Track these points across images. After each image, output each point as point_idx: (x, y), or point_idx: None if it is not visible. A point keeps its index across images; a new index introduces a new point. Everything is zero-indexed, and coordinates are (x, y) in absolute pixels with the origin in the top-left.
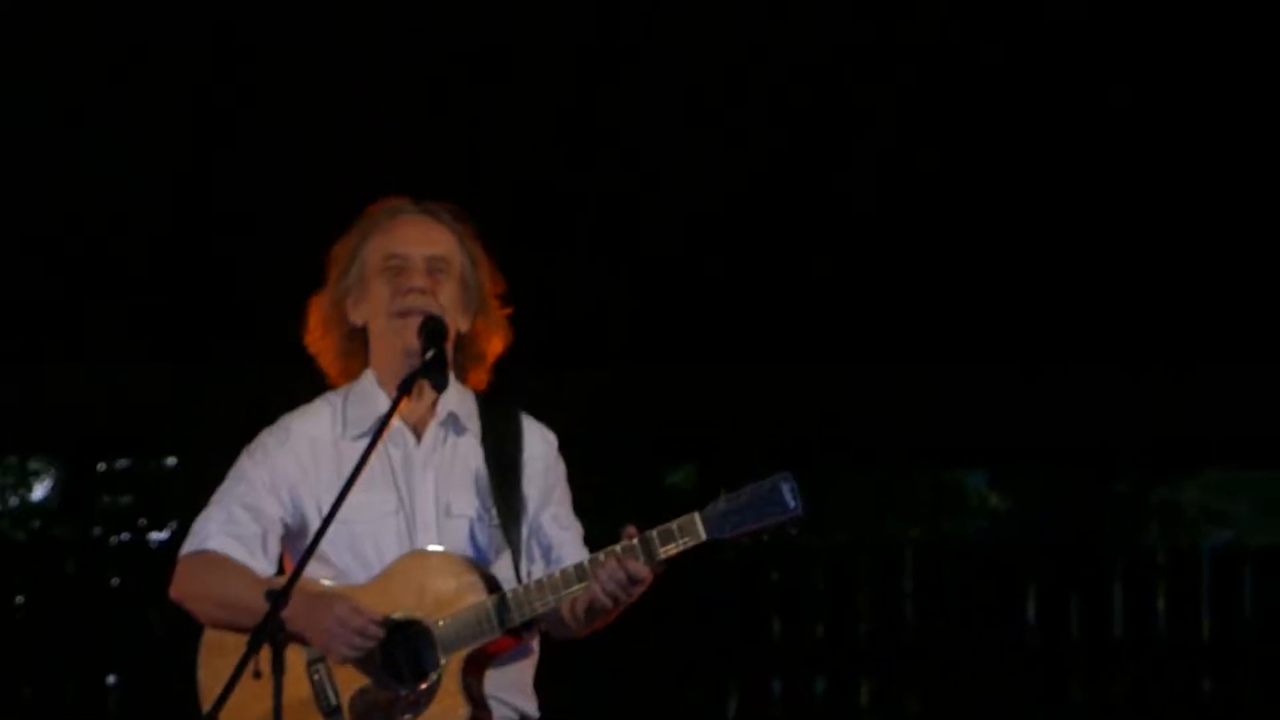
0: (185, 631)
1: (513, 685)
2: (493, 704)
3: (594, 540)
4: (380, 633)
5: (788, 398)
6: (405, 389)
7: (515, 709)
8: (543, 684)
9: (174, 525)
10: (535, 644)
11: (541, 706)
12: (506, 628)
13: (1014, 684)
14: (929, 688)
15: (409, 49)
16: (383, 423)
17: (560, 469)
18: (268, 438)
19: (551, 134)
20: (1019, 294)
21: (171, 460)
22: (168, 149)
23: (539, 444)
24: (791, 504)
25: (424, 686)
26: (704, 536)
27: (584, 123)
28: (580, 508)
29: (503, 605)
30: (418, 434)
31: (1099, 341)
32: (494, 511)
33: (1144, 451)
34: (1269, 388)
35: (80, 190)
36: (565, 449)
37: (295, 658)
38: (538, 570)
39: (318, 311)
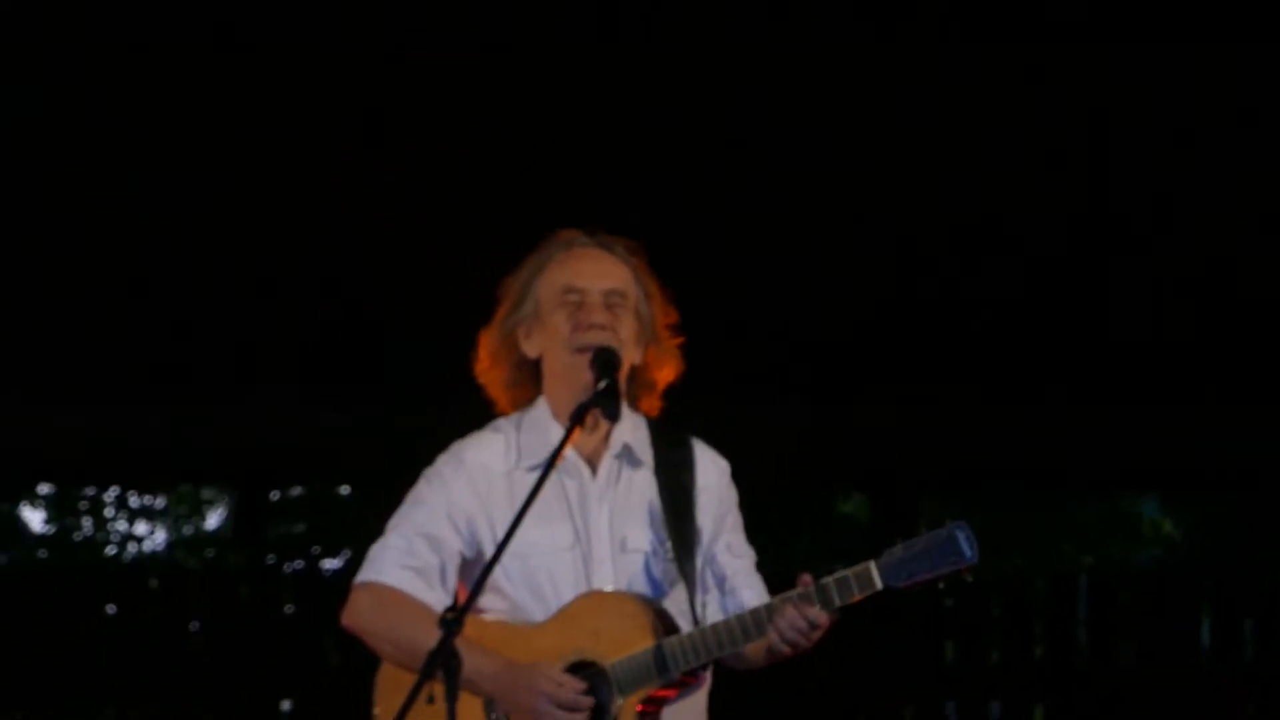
0: (359, 658)
1: (686, 714)
2: None
3: (772, 571)
4: (588, 705)
5: (962, 428)
6: (579, 419)
7: None
8: (716, 708)
9: (347, 553)
10: (709, 671)
11: None
12: (680, 674)
13: (1189, 711)
14: (1104, 714)
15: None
16: (556, 452)
17: (733, 496)
18: (444, 466)
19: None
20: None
21: (344, 489)
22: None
23: (712, 472)
24: (968, 553)
25: None
26: (879, 586)
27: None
28: (757, 534)
29: (677, 651)
30: (593, 466)
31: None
32: (669, 545)
33: None
34: None
35: (250, 224)
36: (752, 479)
37: (472, 698)
38: (713, 601)
39: (488, 342)
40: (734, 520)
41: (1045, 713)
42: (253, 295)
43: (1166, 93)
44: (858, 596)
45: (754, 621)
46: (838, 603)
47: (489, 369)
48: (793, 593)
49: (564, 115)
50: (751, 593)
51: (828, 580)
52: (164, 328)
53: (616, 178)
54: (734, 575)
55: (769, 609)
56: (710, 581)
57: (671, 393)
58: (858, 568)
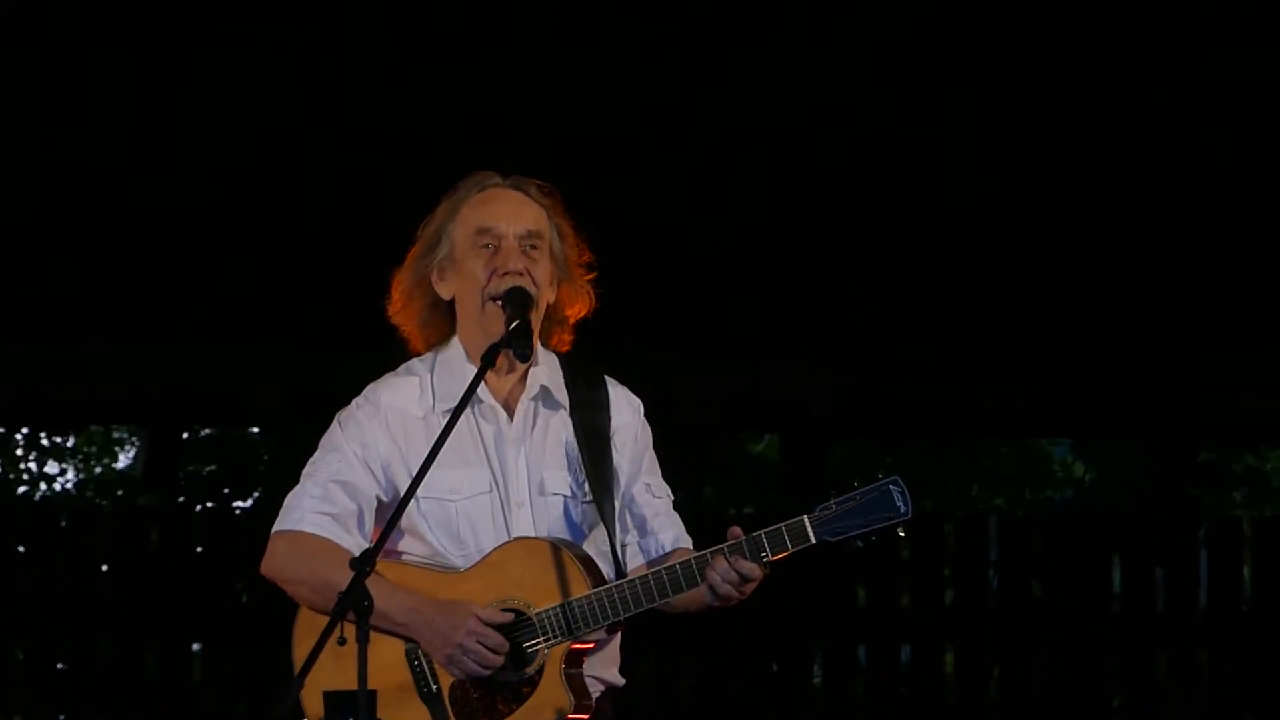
0: (270, 600)
1: (602, 660)
2: (592, 685)
3: (690, 511)
4: (501, 651)
5: (873, 372)
6: (490, 360)
7: (603, 681)
8: (629, 649)
9: (258, 494)
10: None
11: (625, 670)
12: (609, 623)
13: (1098, 653)
14: (1012, 656)
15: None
16: (479, 396)
17: (648, 436)
18: (359, 410)
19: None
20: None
21: (255, 430)
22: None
23: (626, 411)
24: (903, 508)
25: (527, 674)
26: (814, 540)
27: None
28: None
29: (610, 602)
30: (509, 410)
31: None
32: (587, 487)
33: (1229, 422)
34: None
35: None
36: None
37: (392, 643)
38: (633, 542)
39: (401, 283)
40: (650, 460)
41: (955, 655)
42: (168, 237)
43: None
44: (790, 550)
45: (685, 573)
46: (769, 555)
47: (402, 309)
48: (724, 545)
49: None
50: (671, 533)
51: (759, 533)
52: (79, 268)
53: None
54: (653, 516)
55: (700, 561)
56: (630, 522)
57: (588, 336)
58: (791, 521)
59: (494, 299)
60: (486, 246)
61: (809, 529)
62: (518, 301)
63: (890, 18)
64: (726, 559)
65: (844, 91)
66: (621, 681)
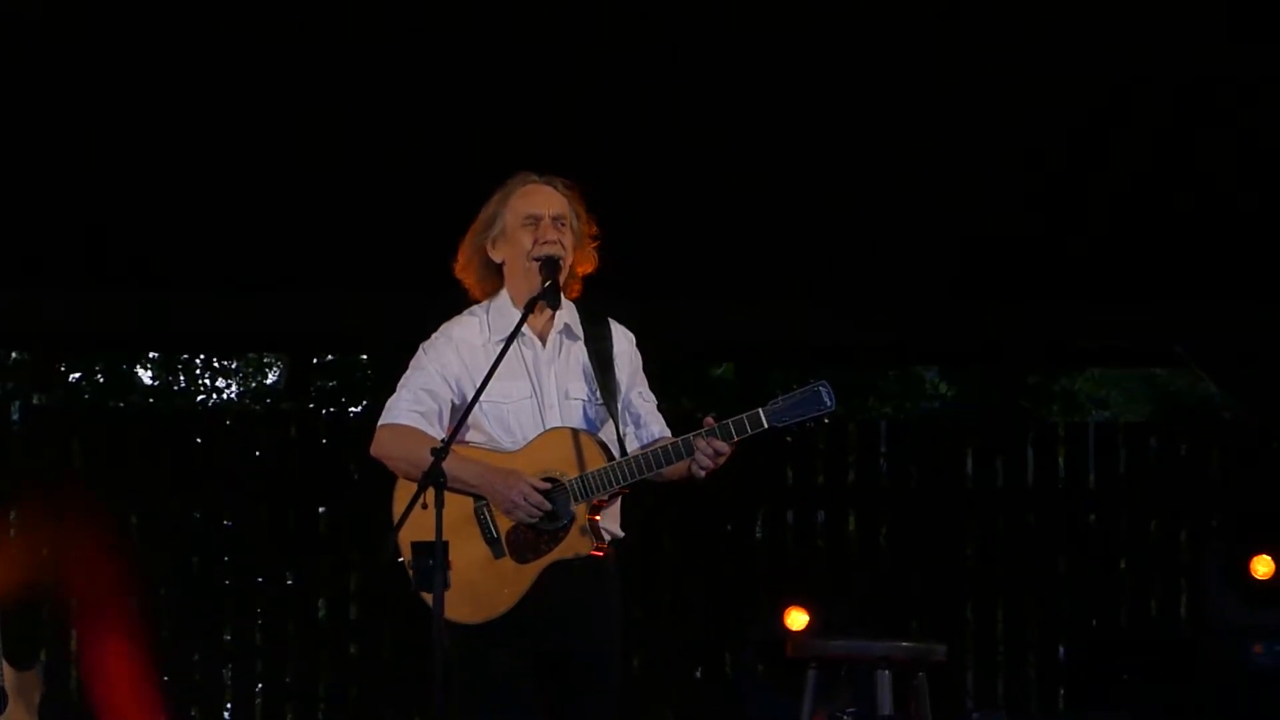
0: (374, 477)
1: (610, 516)
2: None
3: (671, 416)
4: (545, 507)
5: (803, 318)
6: (530, 308)
7: (609, 532)
8: (626, 511)
9: (365, 402)
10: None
11: (624, 525)
12: (621, 487)
13: (955, 518)
14: (895, 520)
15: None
16: (524, 331)
17: (639, 358)
18: (438, 339)
19: None
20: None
21: (364, 357)
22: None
23: (623, 341)
24: (829, 403)
25: (561, 524)
26: (766, 425)
27: None
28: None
29: (620, 471)
30: (543, 340)
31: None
32: (598, 394)
33: (1049, 355)
34: (1131, 315)
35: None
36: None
37: (464, 503)
38: (630, 432)
39: (465, 250)
40: (641, 375)
41: (856, 519)
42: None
43: None
44: (750, 432)
45: (675, 450)
46: (735, 437)
47: (464, 268)
48: (703, 430)
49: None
50: (657, 427)
51: (728, 420)
52: (250, 236)
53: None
54: (645, 414)
55: (686, 442)
56: (629, 418)
57: (597, 288)
58: (751, 413)
59: (535, 259)
60: (530, 225)
61: (763, 418)
62: (551, 265)
63: None
64: (706, 439)
65: None
66: (622, 534)
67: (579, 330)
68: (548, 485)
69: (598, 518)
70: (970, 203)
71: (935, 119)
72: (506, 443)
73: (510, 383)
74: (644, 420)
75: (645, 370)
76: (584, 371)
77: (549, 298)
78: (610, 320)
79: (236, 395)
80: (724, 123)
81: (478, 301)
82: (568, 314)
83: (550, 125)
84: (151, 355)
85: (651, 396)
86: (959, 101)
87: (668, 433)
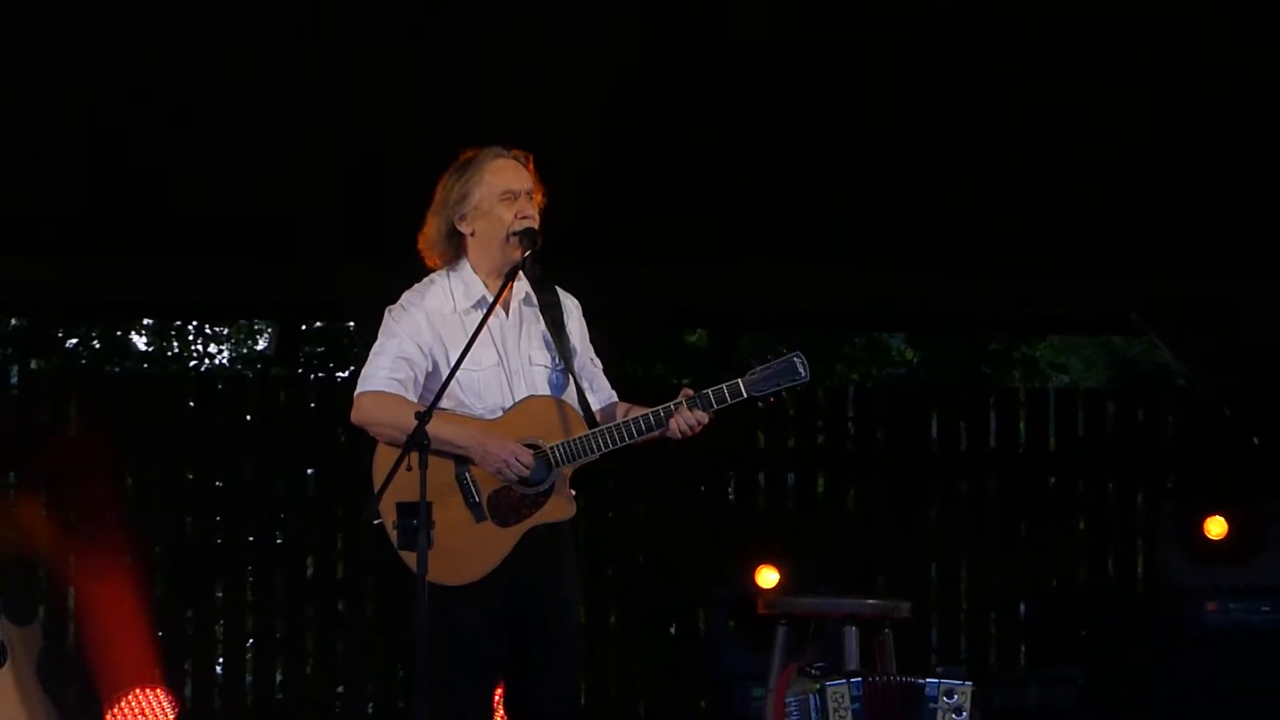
0: (361, 441)
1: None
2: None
3: (647, 382)
4: (527, 467)
5: (773, 286)
6: (512, 276)
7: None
8: (608, 475)
9: (352, 368)
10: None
11: (604, 490)
12: (600, 453)
13: (920, 480)
14: (862, 481)
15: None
16: (488, 298)
17: (585, 324)
18: (409, 307)
19: None
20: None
21: (350, 324)
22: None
23: (572, 308)
24: (803, 373)
25: (542, 489)
26: (745, 395)
27: None
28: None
29: (601, 438)
30: (506, 310)
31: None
32: (558, 360)
33: (1009, 323)
34: (1090, 286)
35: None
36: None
37: (445, 466)
38: (589, 393)
39: (433, 222)
40: (588, 340)
41: (824, 481)
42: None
43: None
44: (729, 402)
45: (655, 419)
46: (715, 406)
47: (426, 239)
48: (682, 399)
49: None
50: (606, 390)
51: (708, 390)
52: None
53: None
54: (595, 377)
55: (665, 411)
56: (584, 382)
57: (582, 257)
58: (730, 383)
59: (515, 234)
60: (509, 199)
61: (743, 388)
62: (531, 237)
63: None
64: (689, 409)
65: None
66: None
67: (533, 300)
68: (531, 450)
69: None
70: (936, 178)
71: (908, 96)
72: (479, 409)
73: (479, 350)
74: (596, 383)
75: (606, 336)
76: (544, 339)
77: (529, 267)
78: (557, 287)
79: (228, 361)
80: (702, 97)
81: (433, 269)
82: (524, 284)
83: (528, 96)
84: (145, 322)
85: (598, 360)
86: (934, 79)
87: (614, 394)
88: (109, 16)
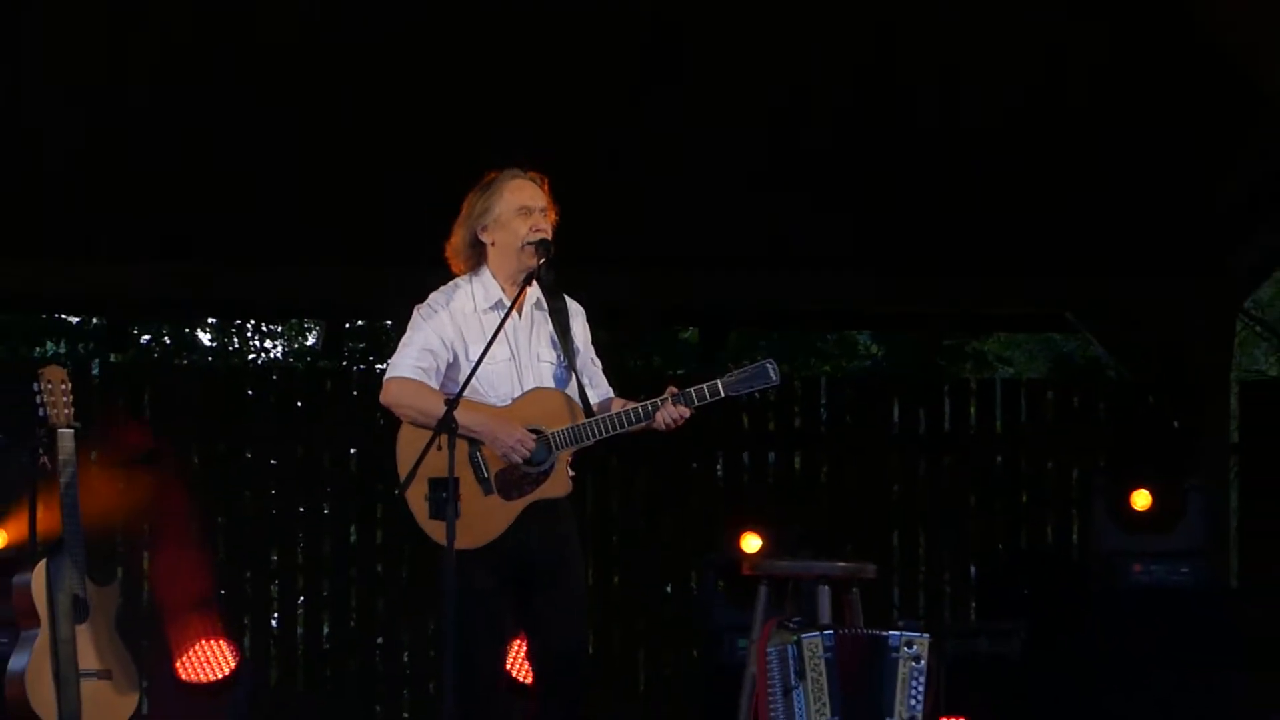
0: (394, 425)
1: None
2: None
3: (645, 375)
4: (533, 449)
5: (753, 286)
6: (528, 282)
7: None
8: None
9: (388, 362)
10: None
11: (605, 469)
12: (594, 440)
13: (883, 459)
14: (834, 460)
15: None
16: (504, 301)
17: (588, 327)
18: (435, 304)
19: None
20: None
21: (389, 322)
22: None
23: (577, 313)
24: (774, 378)
25: (543, 469)
26: (723, 395)
27: None
28: (632, 353)
29: (596, 427)
30: (519, 312)
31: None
32: (563, 357)
33: (965, 321)
34: (1031, 288)
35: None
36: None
37: (461, 446)
38: (588, 389)
39: (458, 233)
40: (590, 342)
41: (800, 459)
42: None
43: None
44: (709, 400)
45: (643, 411)
46: (696, 403)
47: (453, 248)
48: (667, 395)
49: None
50: (604, 385)
51: (690, 390)
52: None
53: None
54: (595, 375)
55: (652, 405)
56: (585, 378)
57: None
58: (710, 383)
59: (529, 244)
60: (524, 214)
61: (720, 388)
62: (545, 247)
63: None
64: (673, 404)
65: None
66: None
67: (543, 304)
68: (534, 435)
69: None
70: (900, 196)
71: (879, 124)
72: (492, 397)
73: (495, 347)
74: (595, 380)
75: (613, 337)
76: (551, 340)
77: (544, 275)
78: (565, 295)
79: (281, 355)
80: (686, 120)
81: (457, 274)
82: (535, 290)
83: (539, 114)
84: (209, 321)
85: (599, 360)
86: (900, 106)
87: (611, 391)
88: (170, 41)
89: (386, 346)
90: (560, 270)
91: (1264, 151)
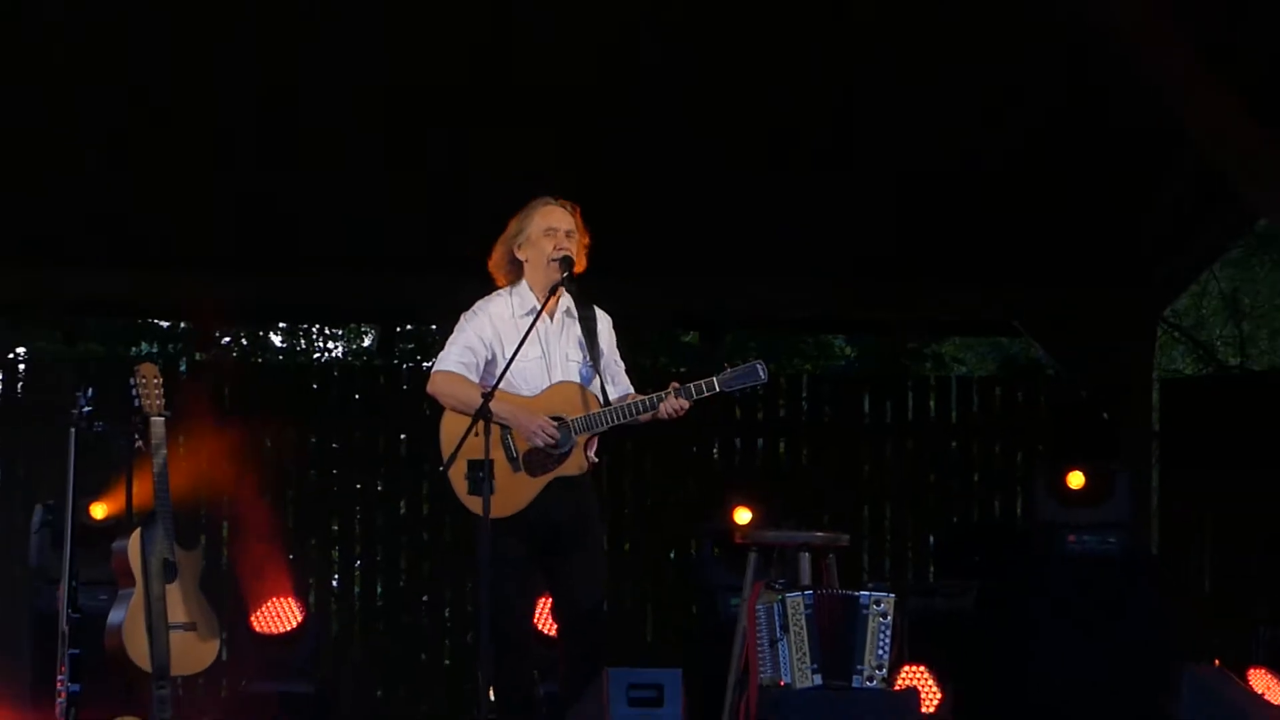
0: (439, 414)
1: (588, 447)
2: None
3: (653, 370)
4: (556, 436)
5: (744, 299)
6: (553, 292)
7: (589, 459)
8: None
9: (433, 358)
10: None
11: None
12: (608, 426)
13: (855, 445)
14: (813, 445)
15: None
16: (537, 310)
17: (614, 333)
18: (477, 310)
19: None
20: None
21: (434, 326)
22: None
23: (604, 320)
24: (763, 376)
25: (564, 451)
26: (718, 390)
27: None
28: (641, 354)
29: (609, 415)
30: (551, 318)
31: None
32: (588, 358)
33: (925, 327)
34: (982, 299)
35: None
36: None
37: (494, 429)
38: (610, 387)
39: (498, 250)
40: (615, 346)
41: (785, 445)
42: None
43: None
44: (706, 394)
45: (649, 403)
46: (694, 397)
47: (495, 262)
48: (670, 390)
49: None
50: (625, 382)
51: (689, 385)
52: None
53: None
54: (617, 373)
55: (656, 398)
56: (609, 376)
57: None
58: (707, 379)
59: (554, 260)
60: (551, 235)
61: (716, 384)
62: (567, 262)
63: None
64: (675, 398)
65: None
66: (596, 460)
67: (574, 313)
68: (555, 422)
69: (592, 447)
70: (870, 219)
71: (852, 147)
72: (524, 389)
73: (528, 346)
74: (617, 379)
75: (626, 338)
76: (579, 342)
77: (567, 285)
78: (595, 306)
79: (341, 354)
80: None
81: (501, 287)
82: (567, 299)
83: (574, 147)
84: (280, 325)
85: (621, 361)
86: (875, 134)
87: (632, 388)
88: (239, 78)
89: (432, 348)
90: (590, 282)
91: (1182, 185)
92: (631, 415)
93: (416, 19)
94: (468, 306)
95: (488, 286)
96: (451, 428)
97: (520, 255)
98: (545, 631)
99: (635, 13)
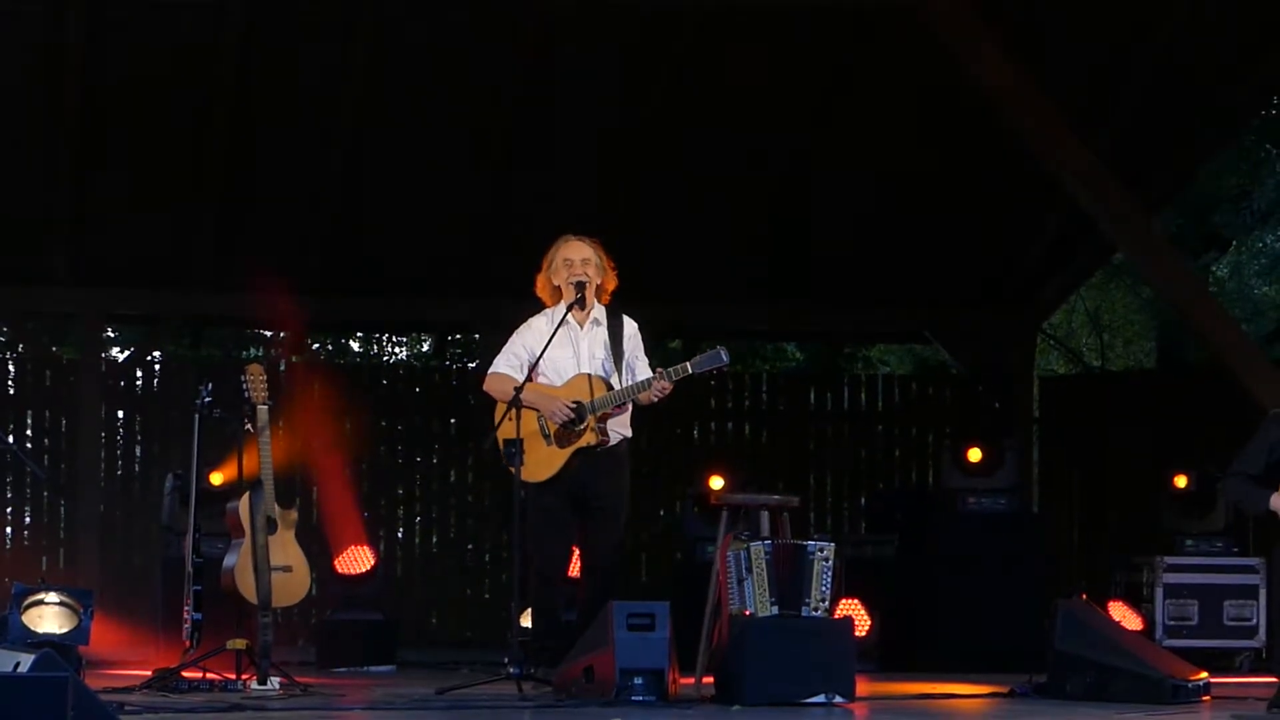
0: (482, 405)
1: (621, 423)
2: (613, 434)
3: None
4: (571, 413)
5: (722, 310)
6: (569, 309)
7: (620, 434)
8: (635, 425)
9: (478, 362)
10: (629, 406)
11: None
12: (616, 405)
13: (804, 428)
14: (772, 430)
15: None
16: (569, 319)
17: (639, 339)
18: (526, 326)
19: None
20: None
21: (476, 335)
22: None
23: (630, 328)
24: (726, 359)
25: (582, 428)
26: (691, 373)
27: None
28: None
29: (612, 397)
30: (581, 326)
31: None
32: (612, 358)
33: (859, 334)
34: (900, 313)
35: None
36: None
37: (532, 416)
38: (631, 378)
39: (541, 279)
40: (640, 348)
41: (749, 429)
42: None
43: None
44: (685, 375)
45: (644, 385)
46: (674, 378)
47: (541, 288)
48: (656, 374)
49: None
50: (649, 375)
51: (670, 369)
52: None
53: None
54: (639, 367)
55: (648, 381)
56: (629, 373)
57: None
58: (681, 364)
59: (571, 284)
60: (568, 264)
61: (689, 368)
62: (580, 285)
63: None
64: (659, 380)
65: None
66: (630, 434)
67: (604, 321)
68: (574, 404)
69: (606, 422)
70: (821, 251)
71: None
72: (556, 382)
73: (562, 349)
74: (639, 372)
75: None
76: (604, 344)
77: (579, 303)
78: (624, 316)
79: (405, 357)
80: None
81: (547, 307)
82: (598, 312)
83: (587, 187)
84: (358, 334)
85: (644, 357)
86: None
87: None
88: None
89: (477, 352)
90: (612, 302)
91: (1057, 222)
92: (630, 395)
93: (469, 71)
94: (505, 320)
95: (521, 304)
96: (501, 414)
97: (554, 280)
98: (574, 576)
99: None
